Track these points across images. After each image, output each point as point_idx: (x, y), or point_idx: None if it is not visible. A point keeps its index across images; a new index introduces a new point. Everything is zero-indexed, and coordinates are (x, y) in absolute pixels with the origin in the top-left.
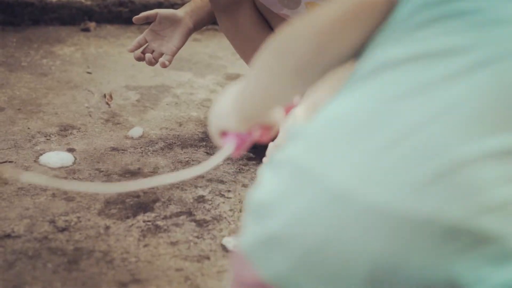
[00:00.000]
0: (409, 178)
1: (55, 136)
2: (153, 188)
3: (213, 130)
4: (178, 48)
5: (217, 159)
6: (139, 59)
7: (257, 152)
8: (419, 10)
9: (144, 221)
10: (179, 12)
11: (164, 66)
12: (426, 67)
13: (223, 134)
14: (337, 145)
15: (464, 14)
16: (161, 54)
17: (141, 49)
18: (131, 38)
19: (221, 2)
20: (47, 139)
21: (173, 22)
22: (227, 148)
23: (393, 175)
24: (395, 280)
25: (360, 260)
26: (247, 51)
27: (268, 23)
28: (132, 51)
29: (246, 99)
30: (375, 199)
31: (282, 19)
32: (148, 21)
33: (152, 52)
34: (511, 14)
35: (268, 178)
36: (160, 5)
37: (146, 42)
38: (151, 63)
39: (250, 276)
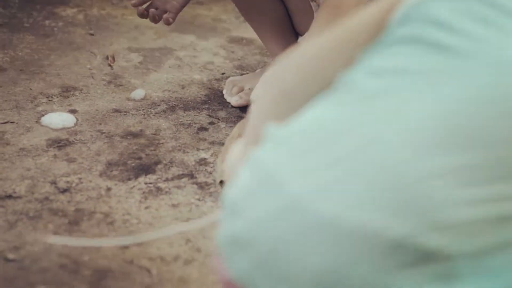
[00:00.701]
0: (360, 190)
1: (57, 97)
2: (155, 150)
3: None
4: (182, 6)
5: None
6: (142, 15)
7: None
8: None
9: (145, 183)
10: None
11: (168, 23)
12: (394, 82)
13: None
14: (303, 154)
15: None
16: (165, 12)
17: (144, 6)
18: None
19: None
20: (49, 100)
21: None
22: None
23: (344, 188)
24: None
25: (305, 271)
26: (250, 13)
27: None
28: (136, 6)
29: None
30: (325, 211)
31: None
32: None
33: (156, 9)
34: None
35: (243, 175)
36: None
37: None
38: (155, 20)
39: (224, 272)
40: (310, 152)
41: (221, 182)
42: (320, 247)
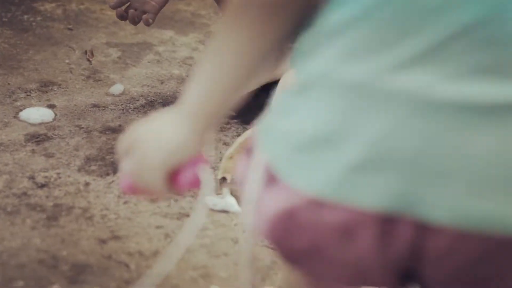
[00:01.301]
0: None
1: (35, 92)
2: None
3: (157, 174)
4: (161, 6)
5: (202, 208)
6: (122, 17)
7: (239, 111)
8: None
9: None
10: None
11: (147, 24)
12: None
13: (175, 173)
14: None
15: None
16: (144, 12)
17: (123, 8)
18: None
19: None
20: (27, 95)
21: None
22: (207, 183)
23: None
24: None
25: None
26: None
27: None
28: (114, 8)
29: (204, 100)
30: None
31: None
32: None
33: (135, 10)
34: None
35: (307, 107)
36: None
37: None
38: (134, 21)
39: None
40: None
41: (223, 178)
42: None
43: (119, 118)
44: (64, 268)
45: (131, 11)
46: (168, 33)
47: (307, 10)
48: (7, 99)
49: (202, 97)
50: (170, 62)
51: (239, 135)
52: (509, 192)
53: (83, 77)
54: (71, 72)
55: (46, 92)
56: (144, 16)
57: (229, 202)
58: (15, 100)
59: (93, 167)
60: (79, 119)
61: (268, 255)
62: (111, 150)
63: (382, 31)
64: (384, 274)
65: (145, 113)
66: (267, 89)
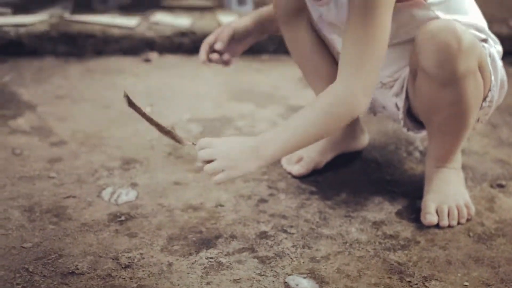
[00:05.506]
0: None
1: (118, 170)
2: (215, 223)
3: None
4: (242, 51)
5: None
6: (205, 62)
7: (319, 186)
8: None
9: (207, 258)
10: (249, 25)
11: (227, 64)
12: None
13: None
14: None
15: None
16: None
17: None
18: (192, 68)
19: (282, 12)
20: (110, 173)
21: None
22: None
23: None
24: None
25: None
26: (306, 65)
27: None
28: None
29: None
30: None
31: (334, 41)
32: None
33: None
34: None
35: None
36: None
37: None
38: (218, 61)
39: None
40: None
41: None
42: None
43: (201, 195)
44: None
45: (213, 55)
46: (247, 107)
47: None
48: (90, 178)
49: (278, 142)
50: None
51: (319, 211)
52: None
53: (164, 154)
54: (152, 149)
55: (128, 169)
56: (225, 57)
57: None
58: (98, 179)
59: (175, 247)
60: (161, 197)
61: None
62: (193, 229)
63: None
64: None
65: (226, 190)
66: None
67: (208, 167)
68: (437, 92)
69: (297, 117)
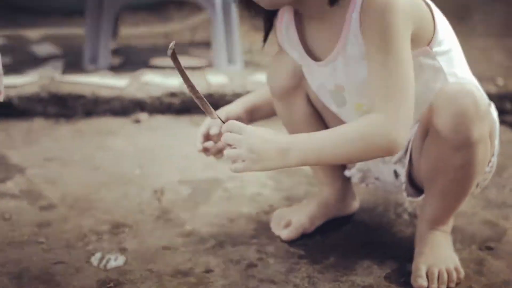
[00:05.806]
0: None
1: (107, 234)
2: (204, 286)
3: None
4: None
5: None
6: (204, 151)
7: (308, 249)
8: None
9: None
10: (240, 112)
11: (221, 152)
12: None
13: None
14: None
15: None
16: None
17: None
18: (182, 129)
19: (278, 90)
20: (99, 237)
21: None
22: None
23: None
24: None
25: None
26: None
27: (320, 115)
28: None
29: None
30: None
31: (332, 113)
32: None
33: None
34: None
35: None
36: (210, 96)
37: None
38: (212, 150)
39: None
40: None
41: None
42: None
43: (190, 260)
44: None
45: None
46: None
47: None
48: (79, 243)
49: (308, 152)
50: (239, 199)
51: (308, 276)
52: None
53: (153, 218)
54: (142, 213)
55: (117, 234)
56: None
57: None
58: (87, 244)
59: None
60: (150, 262)
61: None
62: None
63: None
64: None
65: (215, 254)
66: None
67: (230, 152)
68: (447, 155)
69: (335, 133)
